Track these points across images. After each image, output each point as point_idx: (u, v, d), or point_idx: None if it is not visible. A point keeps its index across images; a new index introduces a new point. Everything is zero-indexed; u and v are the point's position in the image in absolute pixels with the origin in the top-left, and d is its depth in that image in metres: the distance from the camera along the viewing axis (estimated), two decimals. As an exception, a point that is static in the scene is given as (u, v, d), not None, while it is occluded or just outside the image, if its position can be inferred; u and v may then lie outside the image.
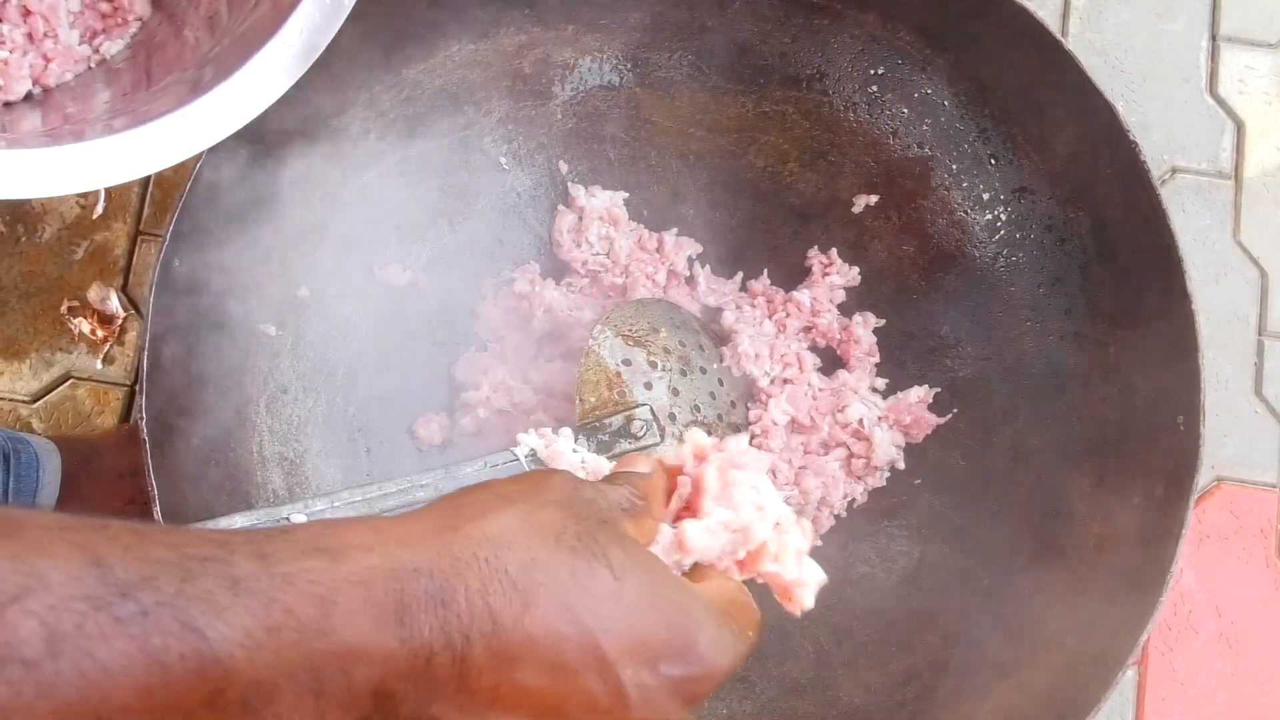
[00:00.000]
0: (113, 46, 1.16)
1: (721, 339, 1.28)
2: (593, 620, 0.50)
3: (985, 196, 1.25)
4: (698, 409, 1.20)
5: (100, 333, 1.75)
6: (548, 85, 1.28)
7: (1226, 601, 1.59)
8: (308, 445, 1.21)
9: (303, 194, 1.19)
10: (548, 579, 0.50)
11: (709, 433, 1.19)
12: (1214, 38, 1.99)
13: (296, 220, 1.19)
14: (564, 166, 1.31)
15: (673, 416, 1.18)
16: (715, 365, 1.25)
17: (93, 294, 1.75)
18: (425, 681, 0.46)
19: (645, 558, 0.56)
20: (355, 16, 1.10)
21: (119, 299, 1.77)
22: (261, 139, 1.11)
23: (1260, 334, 1.70)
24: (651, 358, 1.19)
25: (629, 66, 1.29)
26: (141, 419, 1.02)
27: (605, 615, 0.51)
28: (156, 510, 1.01)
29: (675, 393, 1.19)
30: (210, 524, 0.92)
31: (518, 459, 1.07)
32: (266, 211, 1.16)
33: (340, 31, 1.10)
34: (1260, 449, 1.64)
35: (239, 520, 0.93)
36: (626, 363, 1.18)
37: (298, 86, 1.07)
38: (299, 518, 0.95)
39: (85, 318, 1.75)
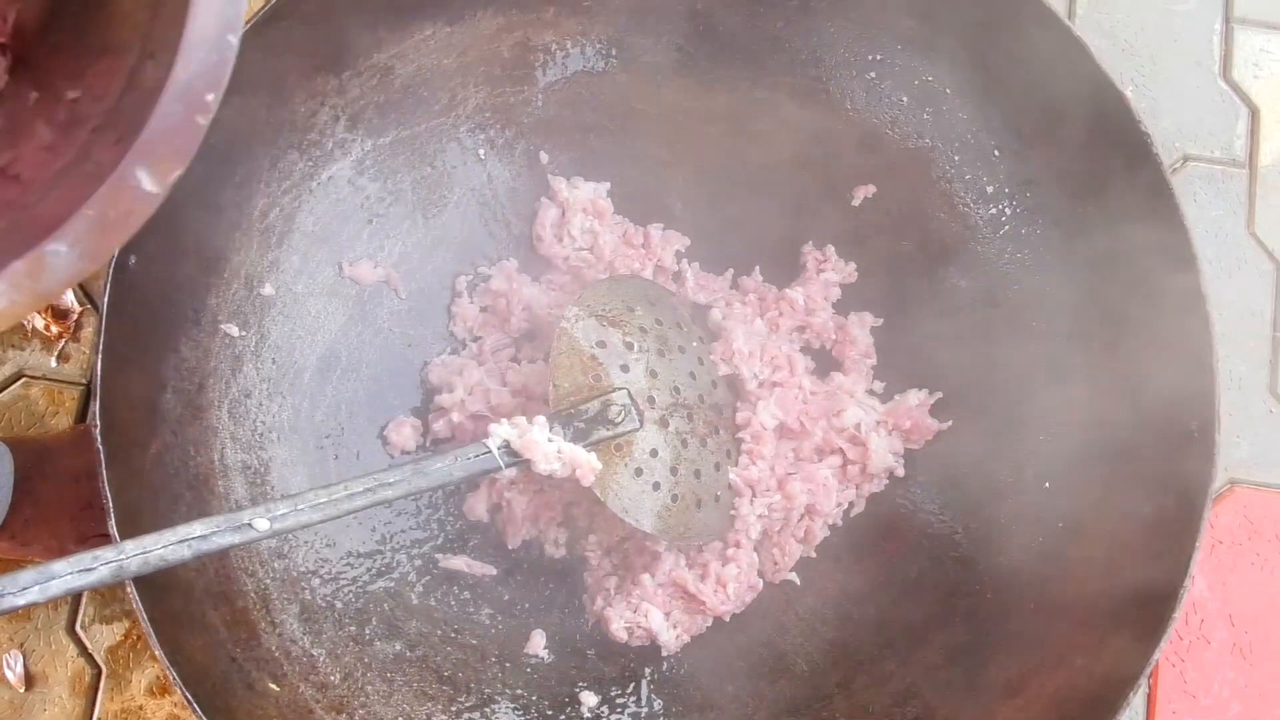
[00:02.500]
0: None
1: (712, 336, 1.27)
2: None
3: (989, 190, 1.24)
4: (677, 390, 1.19)
5: (55, 329, 1.73)
6: (528, 71, 1.26)
7: (1240, 610, 1.58)
8: (273, 453, 1.19)
9: (266, 184, 1.17)
10: None
11: (689, 417, 1.18)
12: (1227, 20, 1.98)
13: (260, 212, 1.17)
14: (545, 157, 1.29)
15: (651, 400, 1.16)
16: (695, 343, 1.24)
17: (46, 288, 1.73)
18: None
19: None
20: None
21: (74, 292, 1.75)
22: (219, 123, 1.09)
23: (1276, 330, 1.70)
24: (628, 338, 1.18)
25: (613, 51, 1.27)
26: (96, 426, 1.01)
27: None
28: (111, 523, 1.00)
29: (653, 374, 1.18)
30: (169, 532, 0.91)
31: (490, 451, 1.06)
32: (227, 202, 1.15)
33: (306, 9, 1.09)
34: (1277, 449, 1.63)
35: (198, 528, 0.92)
36: (601, 344, 1.16)
37: (262, 65, 1.05)
38: (261, 523, 0.94)
39: (38, 312, 1.73)
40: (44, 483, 1.58)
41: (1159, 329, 1.14)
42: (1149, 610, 1.06)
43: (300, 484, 1.19)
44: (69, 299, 1.74)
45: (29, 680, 1.63)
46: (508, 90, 1.27)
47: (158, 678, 1.67)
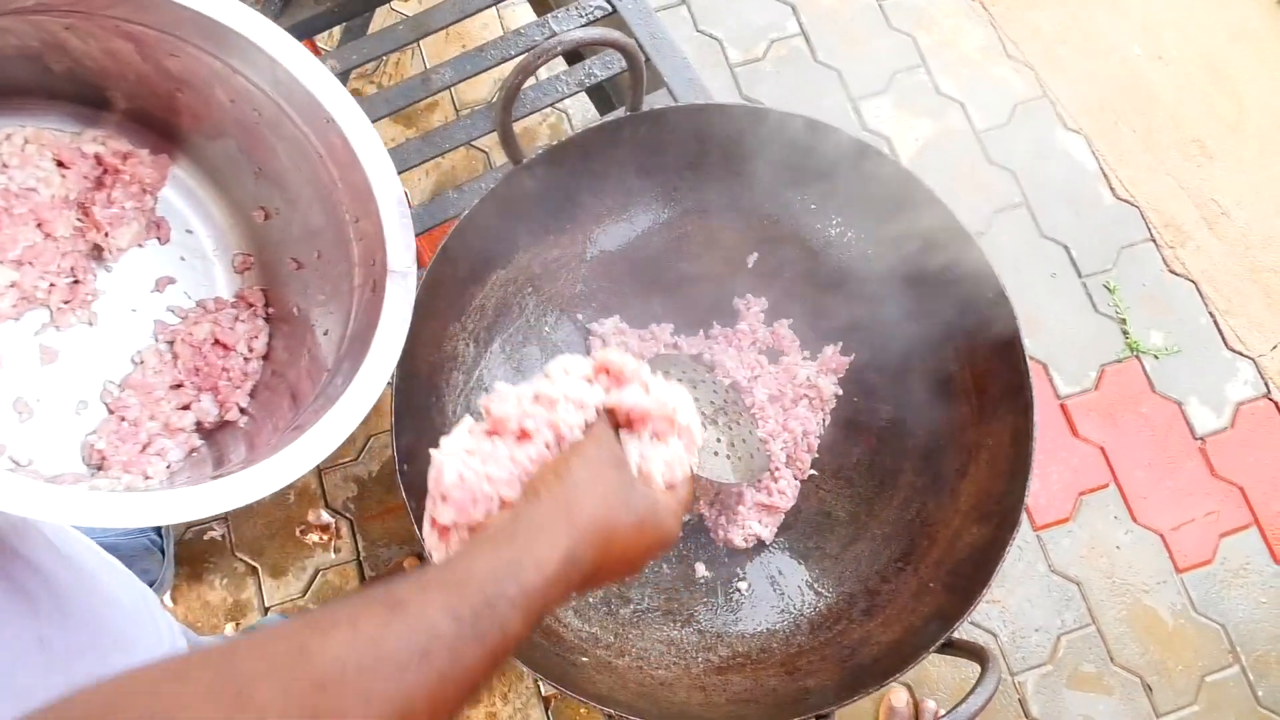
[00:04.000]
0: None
1: (710, 368, 1.27)
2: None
3: (818, 226, 1.25)
4: (712, 403, 1.18)
5: (325, 537, 1.68)
6: (553, 276, 1.26)
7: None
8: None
9: (450, 395, 1.17)
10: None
11: (725, 413, 1.17)
12: (851, 100, 2.06)
13: (451, 410, 1.16)
14: (580, 316, 1.29)
15: (704, 413, 1.16)
16: (706, 375, 1.22)
17: (310, 517, 1.68)
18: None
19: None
20: (441, 279, 1.08)
21: (325, 513, 1.70)
22: (426, 364, 1.09)
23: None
24: None
25: (596, 243, 1.26)
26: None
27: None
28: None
29: (697, 400, 1.17)
30: None
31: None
32: (436, 413, 1.13)
33: (442, 290, 1.08)
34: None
35: None
36: None
37: (426, 329, 1.04)
38: None
39: (311, 532, 1.68)
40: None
41: (946, 259, 1.14)
42: (1016, 401, 1.07)
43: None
44: (325, 517, 1.70)
45: None
46: (547, 289, 1.26)
47: (504, 692, 1.63)
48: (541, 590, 0.54)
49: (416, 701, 0.47)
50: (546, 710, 1.65)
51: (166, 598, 1.63)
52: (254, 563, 1.63)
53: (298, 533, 1.64)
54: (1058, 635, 1.81)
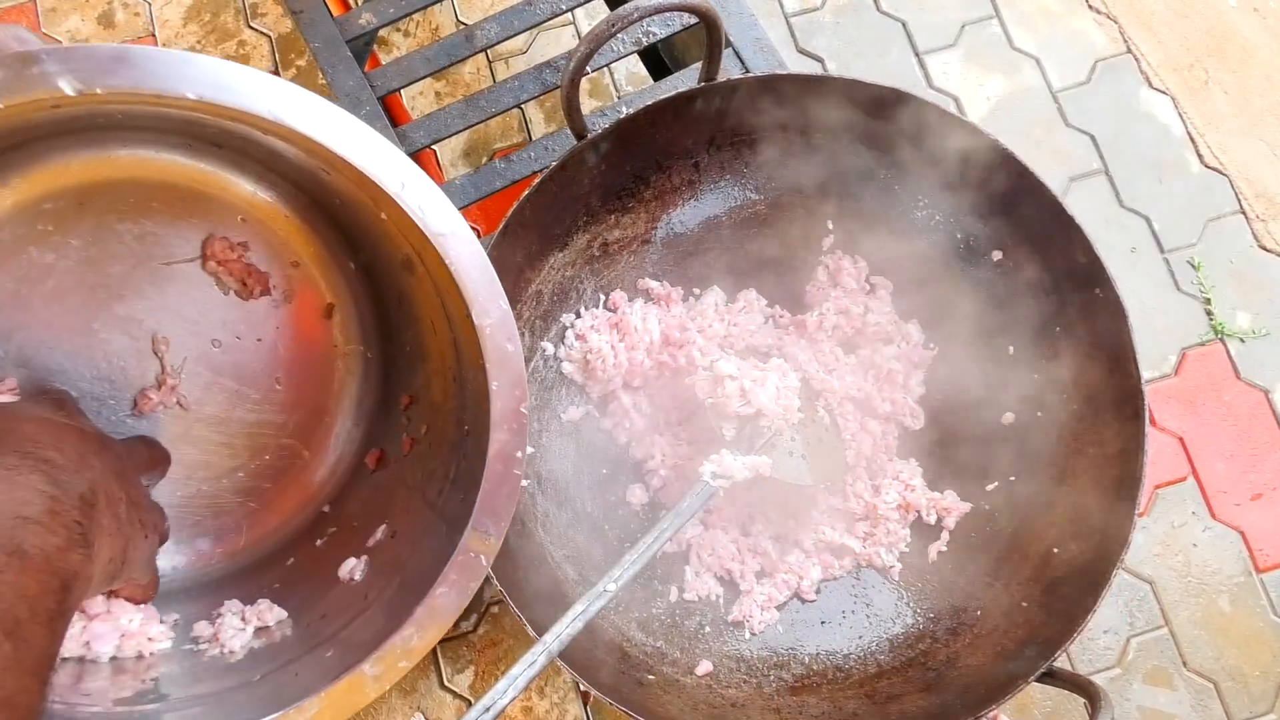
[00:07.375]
0: None
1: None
2: None
3: (901, 208, 1.20)
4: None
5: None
6: (614, 258, 1.21)
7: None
8: (576, 542, 1.15)
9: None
10: None
11: (799, 410, 1.11)
12: (917, 54, 1.99)
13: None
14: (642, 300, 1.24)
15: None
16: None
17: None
18: None
19: None
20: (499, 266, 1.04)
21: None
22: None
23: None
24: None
25: (662, 223, 1.22)
26: (494, 583, 0.95)
27: None
28: (529, 629, 0.95)
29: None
30: (565, 617, 0.86)
31: (707, 481, 1.03)
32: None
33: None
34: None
35: (579, 607, 0.88)
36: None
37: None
38: (611, 586, 0.90)
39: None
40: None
41: (1032, 235, 1.11)
42: (1122, 410, 1.04)
43: (599, 554, 1.15)
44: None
45: (436, 731, 1.58)
46: (605, 272, 1.21)
47: (541, 686, 1.64)
48: None
49: None
50: (585, 705, 1.64)
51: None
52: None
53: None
54: (1127, 638, 1.78)
